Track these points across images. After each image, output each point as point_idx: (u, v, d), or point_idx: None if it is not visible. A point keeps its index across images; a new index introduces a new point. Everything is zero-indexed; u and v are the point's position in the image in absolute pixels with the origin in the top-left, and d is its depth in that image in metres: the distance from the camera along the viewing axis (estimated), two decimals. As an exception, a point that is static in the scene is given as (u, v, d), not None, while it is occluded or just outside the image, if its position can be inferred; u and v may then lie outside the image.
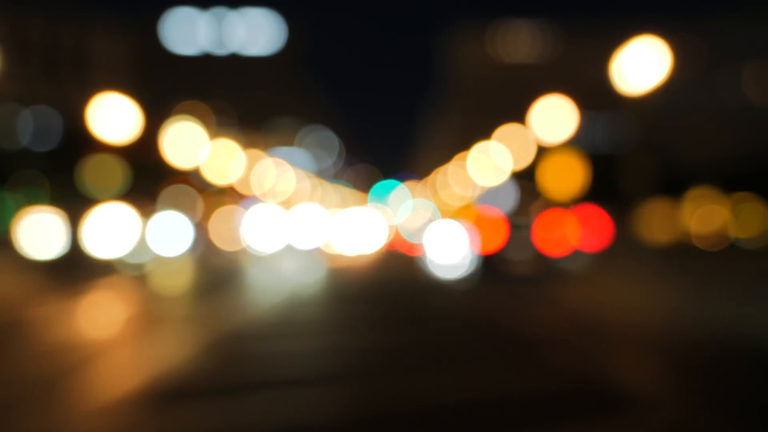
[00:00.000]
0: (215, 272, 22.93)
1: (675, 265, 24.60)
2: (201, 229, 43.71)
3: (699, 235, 41.93)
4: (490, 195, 43.76)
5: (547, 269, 19.28)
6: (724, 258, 29.92)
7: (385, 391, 6.00)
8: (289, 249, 40.89)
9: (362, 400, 5.72)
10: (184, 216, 35.04)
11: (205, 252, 36.86)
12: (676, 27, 45.02)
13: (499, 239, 19.96)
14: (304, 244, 41.55)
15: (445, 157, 68.38)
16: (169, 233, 33.00)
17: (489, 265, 19.60)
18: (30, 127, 46.15)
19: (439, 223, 25.29)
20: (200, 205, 46.27)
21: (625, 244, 34.51)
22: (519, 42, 76.69)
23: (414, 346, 8.27)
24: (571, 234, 21.12)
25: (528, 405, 5.50)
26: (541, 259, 19.74)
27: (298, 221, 42.91)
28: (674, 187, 41.85)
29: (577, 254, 21.46)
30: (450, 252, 22.33)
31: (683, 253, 33.47)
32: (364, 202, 66.63)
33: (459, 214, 25.39)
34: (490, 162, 48.29)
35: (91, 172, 39.76)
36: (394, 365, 7.14)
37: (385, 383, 6.27)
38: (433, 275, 19.84)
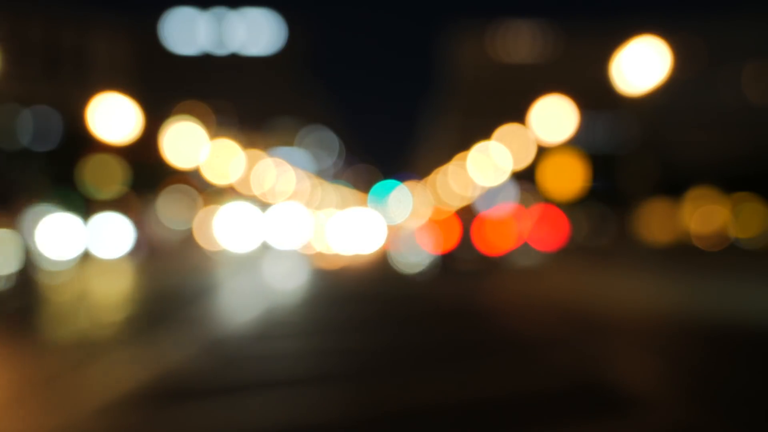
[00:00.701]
0: (153, 280, 20.77)
1: (649, 261, 25.62)
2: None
3: (699, 235, 41.92)
4: (489, 195, 43.78)
5: (486, 266, 22.97)
6: (713, 256, 29.95)
7: (385, 391, 6.00)
8: (267, 249, 39.75)
9: (362, 400, 5.72)
10: (124, 217, 33.74)
11: (150, 255, 34.23)
12: (676, 27, 45.01)
13: (453, 241, 24.18)
14: (284, 243, 40.16)
15: (445, 157, 68.35)
16: (107, 235, 31.82)
17: (443, 262, 23.52)
18: (30, 127, 46.14)
19: (407, 224, 28.50)
20: (200, 204, 46.23)
21: (627, 243, 34.49)
22: (519, 42, 76.64)
23: (410, 346, 8.27)
24: (507, 236, 25.15)
25: (522, 401, 5.49)
26: (481, 258, 23.83)
27: (279, 220, 41.65)
28: (674, 187, 41.82)
29: (530, 253, 25.71)
30: (413, 251, 26.31)
31: (668, 251, 33.51)
32: (364, 202, 66.58)
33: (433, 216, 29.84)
34: (490, 162, 48.28)
35: (91, 172, 39.74)
36: (393, 365, 7.14)
37: (384, 383, 6.27)
38: (399, 270, 23.03)
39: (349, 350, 7.93)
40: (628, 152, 37.00)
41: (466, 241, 23.91)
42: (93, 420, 5.24)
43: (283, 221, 41.72)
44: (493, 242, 24.51)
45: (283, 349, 8.17)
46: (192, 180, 45.53)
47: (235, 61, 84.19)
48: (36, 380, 6.79)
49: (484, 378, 6.49)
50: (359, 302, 13.40)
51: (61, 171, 39.83)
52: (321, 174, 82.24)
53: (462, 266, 23.12)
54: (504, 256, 24.44)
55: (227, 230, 40.38)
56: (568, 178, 39.46)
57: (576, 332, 9.45)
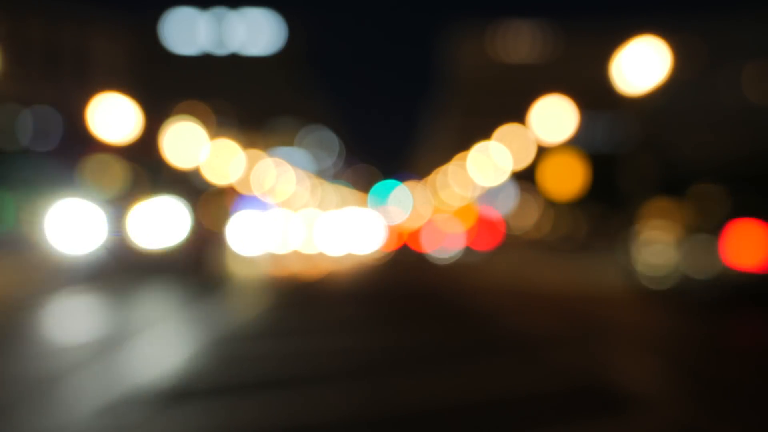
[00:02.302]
0: None
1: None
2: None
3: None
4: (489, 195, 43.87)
5: (419, 260, 31.79)
6: None
7: (386, 391, 5.99)
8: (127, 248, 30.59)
9: (363, 400, 5.72)
10: None
11: None
12: (676, 27, 44.99)
13: (401, 242, 37.11)
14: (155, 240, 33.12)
15: (445, 157, 68.36)
16: None
17: (394, 256, 33.91)
18: (30, 127, 46.12)
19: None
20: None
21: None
22: (519, 42, 76.65)
23: (409, 345, 8.27)
24: (433, 239, 35.25)
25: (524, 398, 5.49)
26: (416, 254, 34.59)
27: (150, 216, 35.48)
28: (674, 187, 41.74)
29: (471, 253, 32.86)
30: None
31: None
32: (364, 202, 66.60)
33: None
34: (490, 162, 48.29)
35: (91, 172, 39.69)
36: (391, 365, 7.13)
37: (384, 383, 6.26)
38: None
39: (347, 350, 7.93)
40: (628, 152, 36.96)
41: (405, 245, 35.56)
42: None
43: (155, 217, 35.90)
44: (422, 244, 35.97)
45: (279, 349, 8.17)
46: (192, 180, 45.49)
47: (235, 61, 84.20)
48: None
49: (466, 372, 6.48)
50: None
51: (60, 171, 39.81)
52: (321, 174, 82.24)
53: (403, 259, 32.28)
54: (431, 252, 33.85)
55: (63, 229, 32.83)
56: (568, 178, 39.46)
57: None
